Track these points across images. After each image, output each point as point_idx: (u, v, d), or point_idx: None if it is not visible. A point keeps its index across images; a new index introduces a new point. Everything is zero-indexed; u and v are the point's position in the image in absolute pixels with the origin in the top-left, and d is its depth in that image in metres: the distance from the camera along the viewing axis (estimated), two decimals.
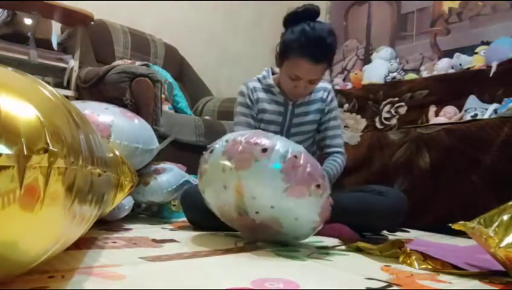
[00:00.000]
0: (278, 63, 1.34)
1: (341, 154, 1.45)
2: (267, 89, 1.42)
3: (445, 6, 2.56)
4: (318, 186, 0.95)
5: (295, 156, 0.95)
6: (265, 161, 0.94)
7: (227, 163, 0.97)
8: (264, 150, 0.95)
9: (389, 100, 2.31)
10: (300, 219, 0.99)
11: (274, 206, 0.96)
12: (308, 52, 1.21)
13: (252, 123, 1.41)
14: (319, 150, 1.51)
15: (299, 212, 0.97)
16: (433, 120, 2.04)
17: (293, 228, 1.01)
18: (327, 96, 1.44)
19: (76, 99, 1.85)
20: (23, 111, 0.45)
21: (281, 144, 0.96)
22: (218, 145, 1.02)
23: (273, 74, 1.45)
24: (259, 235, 1.09)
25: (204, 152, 1.08)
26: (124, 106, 1.57)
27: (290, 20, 1.27)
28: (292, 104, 1.41)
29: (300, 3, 1.29)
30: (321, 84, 1.44)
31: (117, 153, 1.05)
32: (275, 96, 1.41)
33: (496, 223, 0.77)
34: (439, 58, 2.43)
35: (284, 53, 1.27)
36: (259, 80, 1.44)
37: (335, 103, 1.47)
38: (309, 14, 1.26)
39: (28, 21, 1.84)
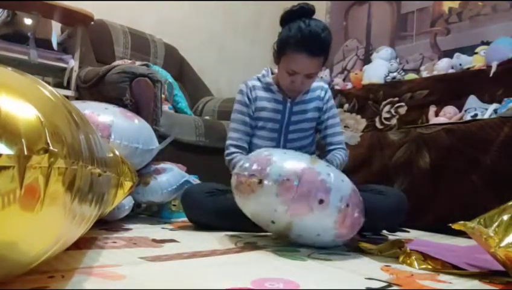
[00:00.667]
0: (275, 60, 1.37)
1: (343, 149, 1.47)
2: (266, 88, 1.45)
3: (445, 6, 2.56)
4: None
5: (347, 205, 1.01)
6: (321, 214, 0.99)
7: (281, 207, 1.01)
8: (321, 202, 0.99)
9: (389, 100, 2.31)
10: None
11: (320, 234, 1.04)
12: (304, 46, 1.25)
13: (248, 121, 1.44)
14: (321, 149, 1.52)
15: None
16: (433, 120, 2.04)
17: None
18: (324, 94, 1.47)
19: (76, 99, 1.85)
20: (23, 111, 0.45)
21: (336, 191, 1.00)
22: (268, 180, 1.01)
23: (272, 73, 1.49)
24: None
25: (241, 169, 1.09)
26: (124, 106, 1.57)
27: (286, 18, 1.32)
28: (290, 102, 1.43)
29: (311, 5, 1.32)
30: (318, 83, 1.48)
31: (117, 153, 1.05)
32: (274, 95, 1.44)
33: (496, 223, 0.77)
34: (439, 58, 2.43)
35: (281, 49, 1.31)
36: (258, 79, 1.48)
37: (332, 102, 1.50)
38: (304, 12, 1.30)
39: (28, 21, 1.84)
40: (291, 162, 1.04)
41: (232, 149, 1.43)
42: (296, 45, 1.26)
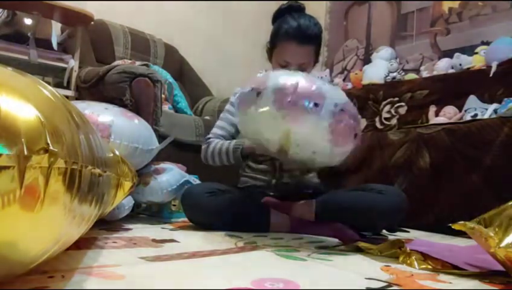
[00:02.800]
0: (269, 57, 1.42)
1: None
2: None
3: (445, 6, 2.56)
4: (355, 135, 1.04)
5: (342, 110, 1.01)
6: (316, 116, 0.99)
7: (278, 114, 1.00)
8: (316, 105, 0.98)
9: (389, 100, 2.31)
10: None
11: (316, 151, 1.04)
12: (294, 35, 1.30)
13: (234, 122, 1.46)
14: None
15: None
16: (433, 120, 2.04)
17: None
18: None
19: (76, 99, 1.85)
20: (23, 111, 0.45)
21: (331, 97, 0.99)
22: (267, 90, 1.01)
23: None
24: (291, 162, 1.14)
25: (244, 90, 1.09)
26: (124, 106, 1.57)
27: (276, 16, 1.39)
28: None
29: (301, 3, 1.34)
30: None
31: (117, 153, 1.05)
32: None
33: (496, 223, 0.77)
34: (439, 58, 2.43)
35: (273, 43, 1.37)
36: None
37: None
38: (293, 9, 1.36)
39: (28, 21, 1.84)
40: (287, 76, 1.04)
41: (211, 139, 1.48)
42: (286, 35, 1.31)
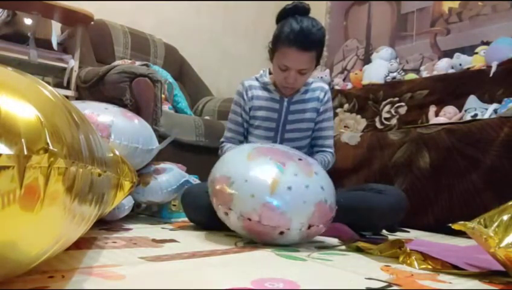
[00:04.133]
0: (270, 57, 1.40)
1: (331, 154, 1.49)
2: (264, 87, 1.48)
3: (445, 6, 2.56)
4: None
5: (308, 227, 1.05)
6: (284, 239, 1.06)
7: (249, 235, 1.09)
8: (281, 233, 1.03)
9: (389, 100, 2.31)
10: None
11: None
12: (295, 41, 1.28)
13: (240, 121, 1.50)
14: (310, 148, 1.52)
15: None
16: (433, 120, 2.04)
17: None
18: (324, 96, 1.48)
19: (77, 99, 1.85)
20: (23, 111, 0.45)
21: (296, 218, 1.03)
22: (234, 213, 1.05)
23: (270, 74, 1.50)
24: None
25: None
26: (124, 106, 1.56)
27: (281, 16, 1.36)
28: (287, 101, 1.44)
29: (306, 4, 1.33)
30: (319, 84, 1.49)
31: (117, 153, 1.05)
32: (271, 94, 1.46)
33: (496, 223, 0.77)
34: (439, 58, 2.43)
35: (274, 45, 1.35)
36: (256, 79, 1.51)
37: (331, 104, 1.51)
38: (298, 10, 1.33)
39: (28, 21, 1.84)
40: (252, 192, 1.04)
41: (223, 144, 1.53)
42: (287, 40, 1.29)
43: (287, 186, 1.03)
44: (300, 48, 1.28)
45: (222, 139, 1.55)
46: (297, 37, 1.27)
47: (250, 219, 1.02)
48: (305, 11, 1.33)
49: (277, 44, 1.33)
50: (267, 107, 1.45)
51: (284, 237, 1.04)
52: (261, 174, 1.06)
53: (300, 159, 1.15)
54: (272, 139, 1.45)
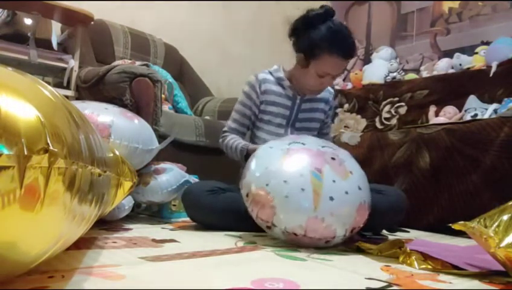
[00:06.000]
0: (302, 62, 1.37)
1: None
2: (278, 82, 1.48)
3: (445, 6, 2.56)
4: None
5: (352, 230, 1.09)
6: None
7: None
8: (327, 242, 1.06)
9: (389, 100, 2.31)
10: None
11: None
12: (339, 49, 1.29)
13: (247, 114, 1.48)
14: None
15: None
16: (433, 120, 2.04)
17: None
18: (331, 98, 1.54)
19: (77, 99, 1.85)
20: (23, 111, 0.45)
21: (341, 227, 1.05)
22: (278, 228, 1.06)
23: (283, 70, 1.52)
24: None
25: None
26: (124, 106, 1.56)
27: (312, 20, 1.32)
28: (300, 98, 1.46)
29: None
30: None
31: (117, 153, 1.05)
32: (285, 90, 1.47)
33: (496, 223, 0.77)
34: (439, 58, 2.43)
35: (312, 52, 1.32)
36: (270, 73, 1.50)
37: (333, 105, 1.58)
38: (329, 14, 1.33)
39: (28, 21, 1.84)
40: (295, 207, 1.04)
41: (226, 133, 1.51)
42: (330, 47, 1.29)
43: (329, 196, 1.03)
44: (346, 57, 1.31)
45: (225, 129, 1.52)
46: (341, 46, 1.29)
47: (296, 234, 1.04)
48: (333, 15, 1.34)
49: (317, 51, 1.31)
50: (280, 103, 1.45)
51: (328, 244, 1.07)
52: (301, 187, 1.04)
53: (333, 159, 1.12)
54: (280, 136, 1.44)
